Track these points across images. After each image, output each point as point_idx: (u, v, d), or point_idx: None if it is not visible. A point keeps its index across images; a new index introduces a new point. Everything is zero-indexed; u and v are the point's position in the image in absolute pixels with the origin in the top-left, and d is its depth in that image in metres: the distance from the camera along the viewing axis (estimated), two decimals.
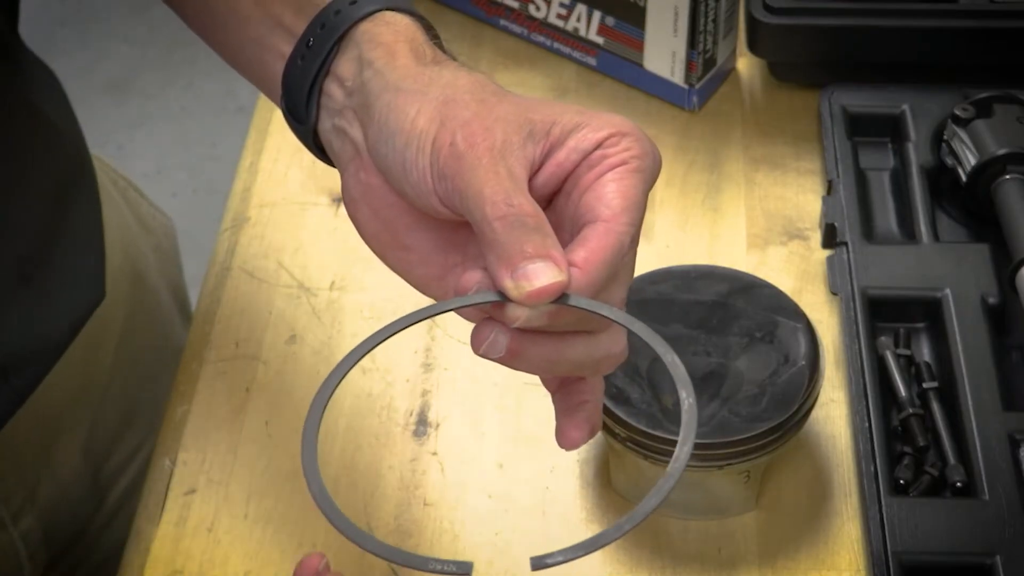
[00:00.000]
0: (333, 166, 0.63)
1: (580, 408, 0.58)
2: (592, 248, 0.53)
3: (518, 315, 0.53)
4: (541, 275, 0.52)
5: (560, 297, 0.52)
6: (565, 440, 0.58)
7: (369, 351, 0.54)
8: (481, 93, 0.57)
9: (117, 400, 0.89)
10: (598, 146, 0.55)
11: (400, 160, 0.56)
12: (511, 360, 0.54)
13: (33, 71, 0.82)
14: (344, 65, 0.60)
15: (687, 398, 0.51)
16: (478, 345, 0.54)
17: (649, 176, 0.56)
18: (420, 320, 0.55)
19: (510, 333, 0.54)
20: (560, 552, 0.48)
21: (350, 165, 0.60)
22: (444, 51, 0.61)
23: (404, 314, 0.55)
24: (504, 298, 0.53)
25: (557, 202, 0.57)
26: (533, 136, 0.55)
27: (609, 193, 0.54)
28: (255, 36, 0.64)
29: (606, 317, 0.53)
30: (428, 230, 0.58)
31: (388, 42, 0.59)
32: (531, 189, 0.55)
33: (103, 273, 0.84)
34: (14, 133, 0.77)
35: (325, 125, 0.61)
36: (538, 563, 0.48)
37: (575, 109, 0.57)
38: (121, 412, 0.90)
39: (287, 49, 0.62)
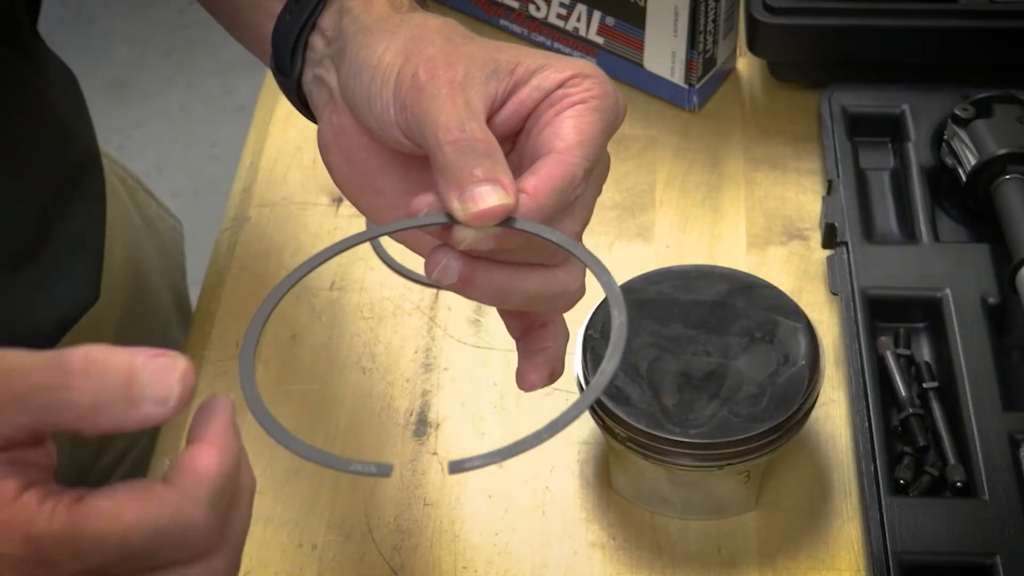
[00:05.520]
0: (314, 121, 0.64)
1: (541, 353, 0.59)
2: (542, 176, 0.54)
3: (464, 236, 0.54)
4: (488, 197, 0.53)
5: (507, 221, 0.53)
6: (524, 382, 0.59)
7: (319, 265, 0.55)
8: (450, 33, 0.58)
9: None
10: (560, 86, 0.57)
11: (366, 92, 0.58)
12: (464, 287, 0.55)
13: (50, 68, 0.83)
14: (327, 18, 0.62)
15: (619, 316, 0.51)
16: (431, 270, 0.55)
17: (608, 116, 0.57)
18: (369, 239, 0.57)
19: (462, 259, 0.55)
20: (478, 457, 0.48)
21: (325, 111, 0.62)
22: (422, 5, 0.63)
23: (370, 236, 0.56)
24: (452, 220, 0.54)
25: (519, 141, 0.58)
26: (497, 74, 0.57)
27: (566, 128, 0.56)
28: None
29: (548, 240, 0.54)
30: (397, 174, 0.60)
31: None
32: (493, 125, 0.56)
33: (99, 276, 0.84)
34: (23, 128, 0.78)
35: (307, 77, 0.63)
36: (456, 467, 0.48)
37: (541, 53, 0.58)
38: None
39: (279, 8, 0.64)
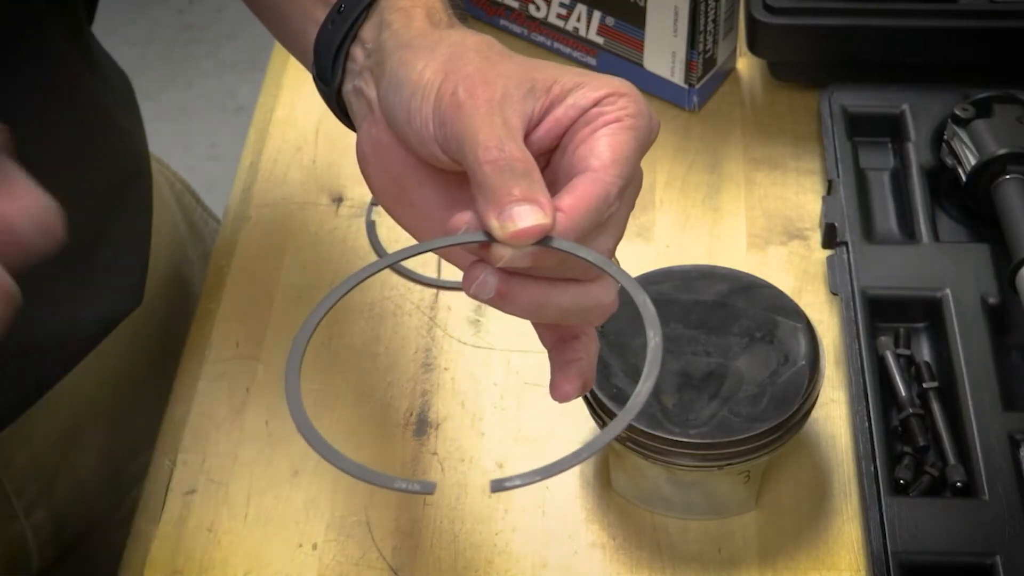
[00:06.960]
0: (353, 129, 0.65)
1: (573, 364, 0.60)
2: (578, 195, 0.55)
3: (502, 254, 0.54)
4: (526, 217, 0.53)
5: (543, 240, 0.54)
6: (558, 393, 0.60)
7: (360, 283, 0.56)
8: (487, 51, 0.59)
9: (148, 402, 0.89)
10: (595, 104, 0.57)
11: (405, 108, 0.58)
12: (500, 302, 0.56)
13: (108, 73, 0.83)
14: (368, 30, 0.63)
15: (654, 337, 0.52)
16: (468, 285, 0.56)
17: (643, 135, 0.57)
18: (409, 257, 0.58)
19: (499, 275, 0.55)
20: (518, 476, 0.49)
21: (364, 122, 0.63)
22: (462, 22, 0.64)
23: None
24: (490, 238, 0.54)
25: (554, 157, 0.59)
26: (534, 92, 0.57)
27: (600, 146, 0.56)
28: (300, 5, 0.67)
29: (584, 259, 0.54)
30: (434, 186, 0.61)
31: (406, 7, 0.62)
32: (529, 143, 0.57)
33: (143, 282, 0.85)
34: (83, 131, 0.79)
35: (347, 87, 0.64)
36: (497, 486, 0.49)
37: (577, 71, 0.59)
38: (150, 415, 0.90)
39: (324, 17, 0.65)
